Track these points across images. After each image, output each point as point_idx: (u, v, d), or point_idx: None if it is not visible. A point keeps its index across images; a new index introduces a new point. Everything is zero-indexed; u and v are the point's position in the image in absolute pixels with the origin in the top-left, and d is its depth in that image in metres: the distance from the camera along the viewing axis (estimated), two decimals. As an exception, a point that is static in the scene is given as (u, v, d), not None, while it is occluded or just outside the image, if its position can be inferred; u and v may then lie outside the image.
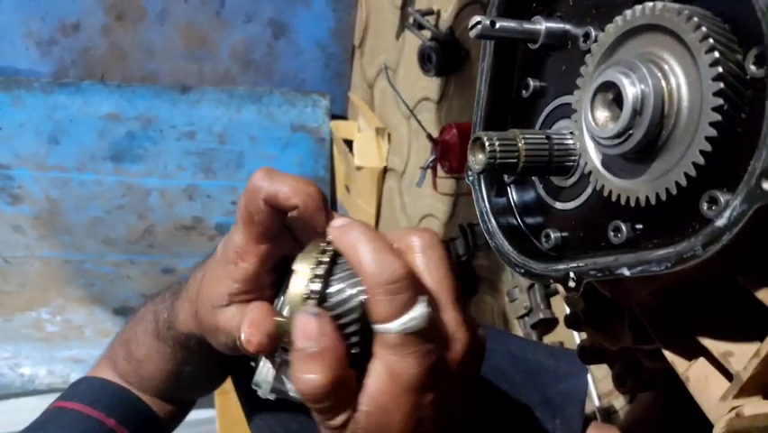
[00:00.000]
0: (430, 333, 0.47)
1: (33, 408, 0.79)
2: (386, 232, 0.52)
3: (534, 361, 0.99)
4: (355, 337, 0.49)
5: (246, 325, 0.51)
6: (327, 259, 0.49)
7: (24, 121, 2.19)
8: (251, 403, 0.81)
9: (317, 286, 0.48)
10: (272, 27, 2.40)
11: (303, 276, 0.49)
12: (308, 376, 0.46)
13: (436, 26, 1.84)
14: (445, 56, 1.76)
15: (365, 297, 0.47)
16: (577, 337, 1.29)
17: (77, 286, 2.41)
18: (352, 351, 0.48)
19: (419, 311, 0.46)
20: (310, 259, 0.50)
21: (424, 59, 1.80)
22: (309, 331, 0.46)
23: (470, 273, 1.73)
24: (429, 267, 0.50)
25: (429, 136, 1.74)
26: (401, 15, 2.06)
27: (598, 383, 1.30)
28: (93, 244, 2.35)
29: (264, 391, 0.54)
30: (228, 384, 0.83)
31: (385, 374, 0.47)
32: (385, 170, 2.21)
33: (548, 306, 1.48)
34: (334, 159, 2.44)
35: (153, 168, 2.32)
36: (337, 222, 0.51)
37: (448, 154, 1.64)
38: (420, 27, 1.87)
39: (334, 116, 2.45)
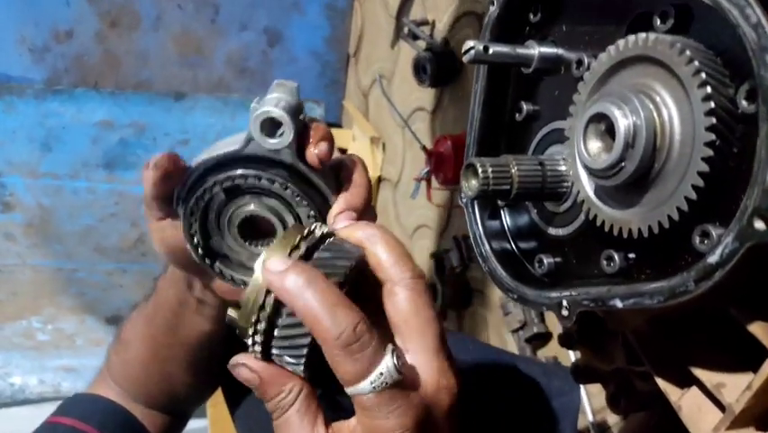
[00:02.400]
0: (409, 385, 0.45)
1: (24, 417, 0.80)
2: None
3: (527, 378, 0.99)
4: None
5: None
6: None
7: (17, 128, 2.18)
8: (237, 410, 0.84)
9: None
10: (267, 35, 2.40)
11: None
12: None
13: (431, 36, 1.84)
14: (440, 67, 1.76)
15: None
16: (571, 353, 1.29)
17: (69, 295, 2.40)
18: None
19: (387, 364, 0.43)
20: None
21: (418, 69, 1.80)
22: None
23: (464, 286, 1.73)
24: (417, 310, 0.47)
25: (424, 148, 1.74)
26: (396, 25, 2.06)
27: (593, 399, 1.30)
28: (85, 252, 2.33)
29: None
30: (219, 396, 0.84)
31: None
32: (379, 180, 2.21)
33: (542, 320, 1.47)
34: (329, 167, 2.44)
35: (146, 176, 2.31)
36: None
37: (442, 166, 1.64)
38: (415, 37, 1.87)
39: (329, 124, 2.42)
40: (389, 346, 0.44)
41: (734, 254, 0.37)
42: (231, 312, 0.48)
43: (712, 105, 0.39)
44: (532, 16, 0.57)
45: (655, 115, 0.42)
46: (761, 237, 0.36)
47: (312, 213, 0.58)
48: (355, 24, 2.41)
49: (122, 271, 2.40)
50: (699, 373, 0.48)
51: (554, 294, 0.52)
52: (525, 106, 0.59)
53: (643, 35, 0.44)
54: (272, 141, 0.55)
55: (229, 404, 0.85)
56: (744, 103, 0.39)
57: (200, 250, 0.60)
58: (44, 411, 0.78)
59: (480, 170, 0.52)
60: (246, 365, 0.47)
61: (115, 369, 0.79)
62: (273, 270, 0.45)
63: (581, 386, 0.99)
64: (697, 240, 0.41)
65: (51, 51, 2.24)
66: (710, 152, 0.39)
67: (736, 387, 0.46)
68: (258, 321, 0.46)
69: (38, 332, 2.42)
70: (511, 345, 1.53)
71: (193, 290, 0.69)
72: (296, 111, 0.56)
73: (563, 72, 0.56)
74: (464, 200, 0.64)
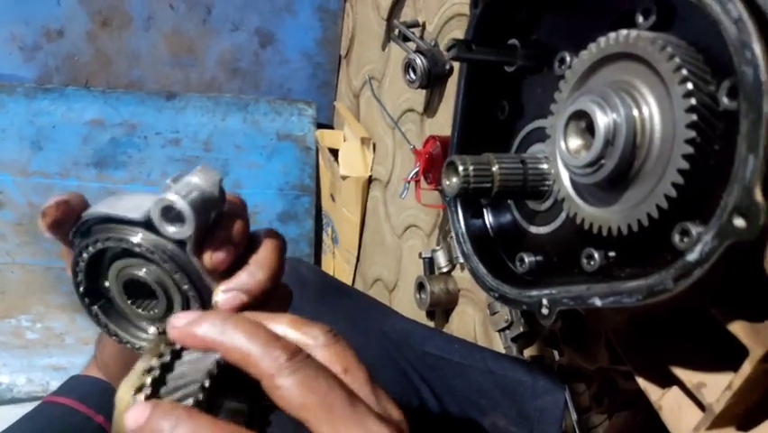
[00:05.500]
0: None
1: (12, 416, 0.78)
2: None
3: (511, 377, 0.99)
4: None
5: None
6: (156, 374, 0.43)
7: (7, 126, 2.16)
8: None
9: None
10: (259, 36, 2.39)
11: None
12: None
13: (421, 38, 1.84)
14: (430, 68, 1.76)
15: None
16: (556, 352, 1.29)
17: (59, 293, 2.38)
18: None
19: None
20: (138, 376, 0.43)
21: (408, 71, 1.79)
22: None
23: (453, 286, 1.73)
24: (312, 389, 0.41)
25: (413, 149, 1.74)
26: (387, 27, 2.06)
27: (577, 397, 1.29)
28: (75, 251, 2.32)
29: None
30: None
31: None
32: (370, 180, 2.20)
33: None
34: (320, 168, 2.43)
35: (137, 175, 2.30)
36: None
37: (431, 167, 1.63)
38: (405, 39, 1.87)
39: (320, 125, 2.44)
40: None
41: (713, 252, 0.37)
42: None
43: (693, 101, 0.39)
44: (516, 14, 0.57)
45: (635, 112, 0.42)
46: (740, 235, 0.35)
47: (198, 305, 0.53)
48: (346, 26, 2.41)
49: (111, 271, 2.39)
50: (679, 372, 0.48)
51: (534, 293, 0.51)
52: (507, 105, 0.59)
53: (624, 32, 0.44)
54: (171, 229, 0.50)
55: None
56: (725, 100, 0.39)
57: (81, 289, 0.57)
58: (32, 411, 0.77)
59: (460, 168, 0.52)
60: None
61: (101, 366, 0.79)
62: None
63: (566, 386, 0.99)
64: (677, 238, 0.41)
65: (42, 50, 2.23)
66: (691, 150, 0.39)
67: (716, 386, 0.46)
68: None
69: (27, 331, 2.41)
70: (498, 344, 1.53)
71: None
72: (206, 205, 0.51)
73: (546, 71, 0.56)
74: (447, 199, 0.64)
